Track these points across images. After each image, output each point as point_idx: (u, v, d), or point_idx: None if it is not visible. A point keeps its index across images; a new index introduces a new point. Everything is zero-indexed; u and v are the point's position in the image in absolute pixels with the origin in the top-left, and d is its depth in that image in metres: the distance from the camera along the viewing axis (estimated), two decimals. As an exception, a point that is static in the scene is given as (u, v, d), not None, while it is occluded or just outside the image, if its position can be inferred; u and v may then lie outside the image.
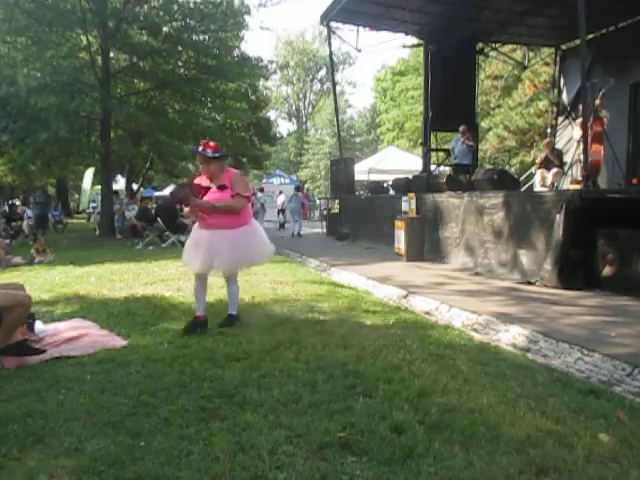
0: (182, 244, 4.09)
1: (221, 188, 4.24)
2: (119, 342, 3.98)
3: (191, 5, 16.09)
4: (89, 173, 23.85)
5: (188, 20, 16.07)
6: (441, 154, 13.52)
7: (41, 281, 7.05)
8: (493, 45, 14.72)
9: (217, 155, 4.28)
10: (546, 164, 9.17)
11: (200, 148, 4.29)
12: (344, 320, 4.68)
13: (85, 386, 3.06)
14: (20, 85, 13.74)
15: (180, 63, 16.88)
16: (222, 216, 4.22)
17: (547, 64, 17.04)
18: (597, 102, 7.63)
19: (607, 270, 5.81)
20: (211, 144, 4.29)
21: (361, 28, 13.33)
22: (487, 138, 21.68)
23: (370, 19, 12.79)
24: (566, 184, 9.54)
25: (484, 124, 20.80)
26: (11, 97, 13.65)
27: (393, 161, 19.42)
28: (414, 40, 14.10)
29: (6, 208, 18.53)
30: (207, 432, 2.45)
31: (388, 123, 39.22)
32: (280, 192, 22.14)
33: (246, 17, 17.09)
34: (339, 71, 54.04)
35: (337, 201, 13.97)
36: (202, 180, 4.41)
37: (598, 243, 5.88)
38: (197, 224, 4.47)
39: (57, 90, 14.09)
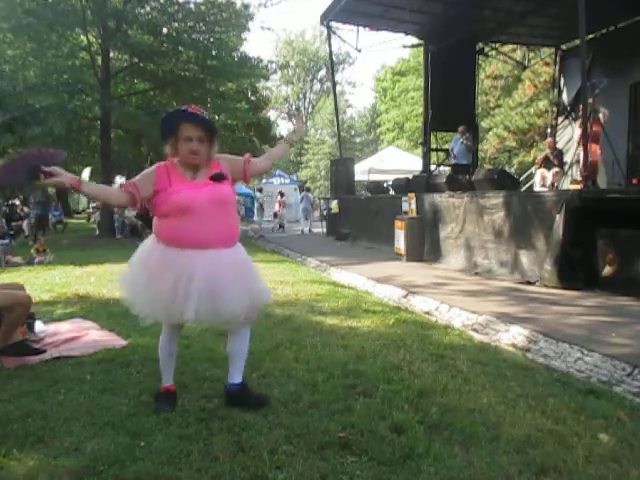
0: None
1: (218, 179, 2.55)
2: (119, 342, 3.97)
3: (191, 6, 16.10)
4: (86, 172, 23.84)
5: (188, 21, 16.07)
6: (441, 154, 13.54)
7: (41, 281, 7.05)
8: (493, 45, 14.73)
9: (215, 130, 2.59)
10: (546, 164, 9.18)
11: (189, 110, 2.51)
12: (344, 320, 4.68)
13: (85, 386, 3.06)
14: (18, 81, 13.72)
15: (180, 63, 16.87)
16: (226, 218, 2.54)
17: (547, 64, 17.05)
18: (590, 101, 7.63)
19: (607, 270, 5.82)
20: (202, 110, 2.57)
21: (361, 28, 13.34)
22: (487, 138, 21.69)
23: (370, 19, 12.80)
24: (566, 184, 9.55)
25: (484, 124, 20.80)
26: (9, 95, 13.63)
27: (393, 161, 19.42)
28: (414, 40, 14.12)
29: (6, 208, 18.51)
30: (207, 432, 2.45)
31: (388, 123, 39.25)
32: (280, 192, 22.12)
33: (247, 18, 17.13)
34: (339, 71, 54.08)
35: (337, 201, 13.95)
36: (165, 174, 2.55)
37: (598, 243, 5.88)
38: (154, 239, 2.61)
39: (55, 89, 14.07)
